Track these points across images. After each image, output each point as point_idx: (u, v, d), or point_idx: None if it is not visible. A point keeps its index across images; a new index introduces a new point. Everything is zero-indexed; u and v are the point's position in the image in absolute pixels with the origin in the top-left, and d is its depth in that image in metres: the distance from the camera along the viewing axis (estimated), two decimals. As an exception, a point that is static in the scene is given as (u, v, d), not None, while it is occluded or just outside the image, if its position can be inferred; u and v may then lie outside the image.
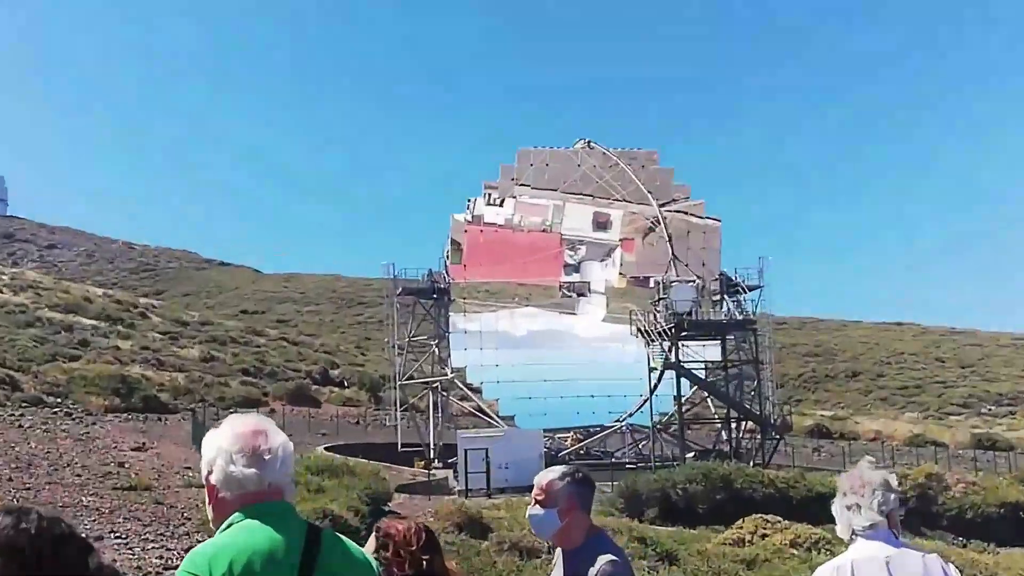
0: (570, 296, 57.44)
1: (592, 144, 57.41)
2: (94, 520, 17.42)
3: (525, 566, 15.40)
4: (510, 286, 57.21)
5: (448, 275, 53.38)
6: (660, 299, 47.42)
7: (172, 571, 13.24)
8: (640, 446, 51.40)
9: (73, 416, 37.67)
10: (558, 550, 4.25)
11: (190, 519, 18.21)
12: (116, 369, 49.83)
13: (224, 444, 3.05)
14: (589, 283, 57.10)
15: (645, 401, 49.12)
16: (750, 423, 49.13)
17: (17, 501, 18.51)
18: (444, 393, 51.94)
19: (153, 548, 15.37)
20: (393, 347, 53.23)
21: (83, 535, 2.75)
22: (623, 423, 51.58)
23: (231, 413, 3.52)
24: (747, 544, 19.32)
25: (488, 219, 56.07)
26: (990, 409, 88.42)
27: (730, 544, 19.52)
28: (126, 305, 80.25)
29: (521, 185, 56.21)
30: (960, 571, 4.15)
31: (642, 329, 47.15)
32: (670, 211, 55.35)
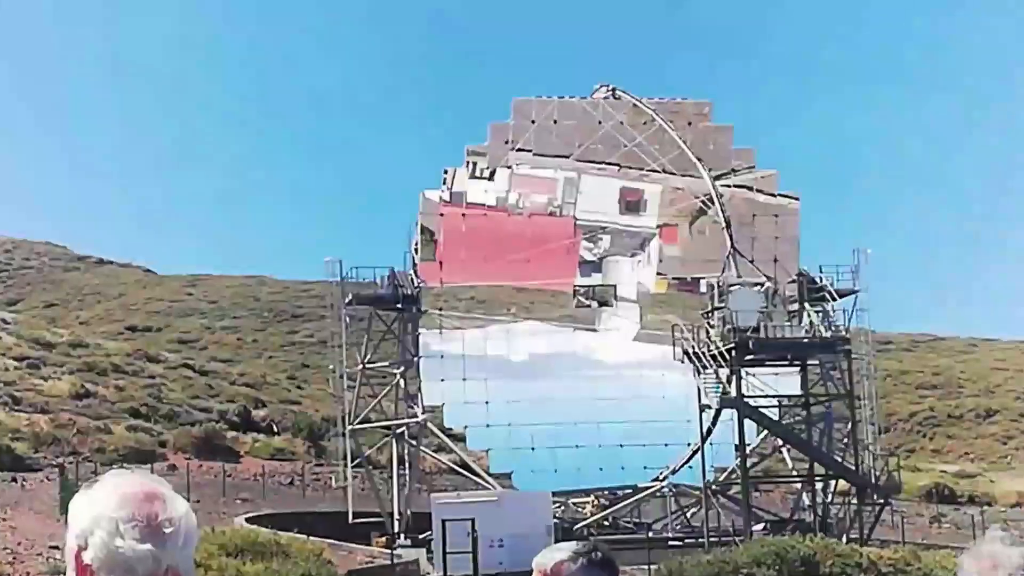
0: (588, 306, 57.47)
1: (618, 92, 57.46)
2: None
3: None
4: (504, 292, 57.20)
5: (417, 276, 53.40)
6: (715, 309, 47.45)
7: None
8: (688, 515, 51.34)
9: None
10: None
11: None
12: (-48, 410, 49.80)
13: (107, 510, 3.04)
14: (615, 287, 57.13)
15: (695, 452, 49.08)
16: (842, 482, 49.10)
17: None
18: (413, 442, 51.91)
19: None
20: (341, 377, 53.20)
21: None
22: (664, 483, 51.57)
23: (113, 469, 3.53)
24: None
25: (473, 198, 56.07)
26: None
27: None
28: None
29: (519, 150, 56.25)
30: None
31: (690, 352, 47.18)
32: (728, 186, 55.38)
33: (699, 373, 46.79)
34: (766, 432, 50.20)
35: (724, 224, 52.43)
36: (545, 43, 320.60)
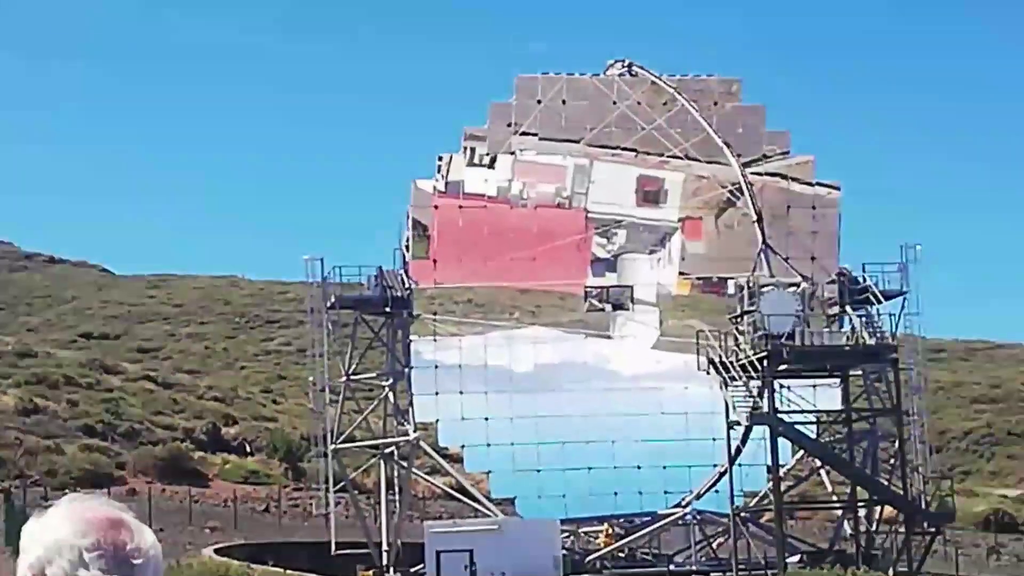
0: (601, 309, 57.49)
1: (635, 68, 57.50)
2: None
3: None
4: (506, 294, 57.23)
5: (408, 276, 53.43)
6: (745, 313, 47.44)
7: None
8: (714, 546, 51.32)
9: None
10: None
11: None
12: None
13: (68, 537, 3.00)
14: (632, 289, 57.16)
15: (722, 475, 49.08)
16: (888, 509, 49.07)
17: None
18: (403, 463, 51.93)
19: None
20: (322, 391, 53.22)
21: None
22: (687, 510, 51.57)
23: (67, 494, 3.50)
24: None
25: (471, 188, 56.14)
26: None
27: None
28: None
29: (523, 134, 56.30)
30: None
31: (717, 361, 47.19)
32: (759, 174, 55.40)
33: (727, 385, 46.76)
34: (802, 452, 50.15)
35: (755, 217, 52.46)
36: (553, 12, 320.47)
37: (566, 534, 49.11)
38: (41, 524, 3.07)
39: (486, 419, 52.67)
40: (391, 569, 47.91)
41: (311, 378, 55.60)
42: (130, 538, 3.05)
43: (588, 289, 57.46)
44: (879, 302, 49.98)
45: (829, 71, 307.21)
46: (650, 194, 57.07)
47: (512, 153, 56.30)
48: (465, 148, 56.50)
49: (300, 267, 52.98)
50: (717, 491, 50.37)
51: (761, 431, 46.71)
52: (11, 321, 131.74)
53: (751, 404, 46.31)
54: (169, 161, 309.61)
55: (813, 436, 49.35)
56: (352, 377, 52.25)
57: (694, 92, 56.50)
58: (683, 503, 51.79)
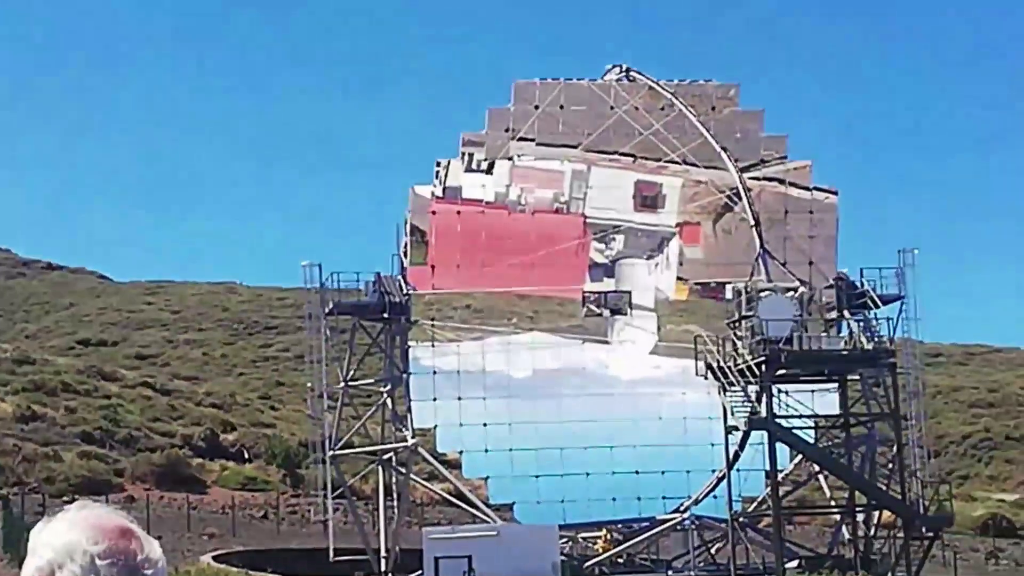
0: (599, 314, 57.51)
1: (633, 74, 57.56)
2: None
3: None
4: (504, 299, 57.25)
5: (406, 282, 53.46)
6: (743, 318, 47.49)
7: None
8: (713, 551, 51.35)
9: None
10: None
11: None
12: None
13: (81, 542, 3.02)
14: (630, 293, 57.19)
15: (720, 480, 49.11)
16: (887, 514, 49.10)
17: None
18: (402, 469, 51.94)
19: None
20: (320, 397, 53.24)
21: None
22: (686, 515, 51.61)
23: (66, 502, 3.54)
24: None
25: (469, 193, 56.19)
26: None
27: None
28: None
29: (521, 139, 56.36)
30: None
31: (715, 366, 47.22)
32: (758, 179, 55.47)
33: (725, 390, 46.82)
34: (800, 457, 50.18)
35: (752, 222, 52.48)
36: (551, 17, 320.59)
37: (564, 540, 49.09)
38: (52, 528, 3.09)
39: (484, 425, 52.67)
40: (390, 574, 47.90)
41: (309, 384, 55.61)
42: (140, 548, 3.09)
43: (586, 294, 57.48)
44: (877, 306, 50.00)
45: (828, 76, 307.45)
46: (648, 199, 57.11)
47: (510, 158, 56.34)
48: (463, 153, 56.54)
49: (298, 273, 53.07)
50: (715, 496, 50.39)
51: (759, 436, 46.71)
52: (9, 328, 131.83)
53: (749, 409, 46.38)
54: (166, 167, 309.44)
55: (811, 441, 49.35)
56: (350, 383, 52.27)
57: (692, 97, 56.51)
58: (681, 508, 51.80)
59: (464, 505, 52.78)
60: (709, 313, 54.60)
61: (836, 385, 48.95)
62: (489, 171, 56.41)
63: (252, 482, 65.99)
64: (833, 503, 52.66)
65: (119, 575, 3.00)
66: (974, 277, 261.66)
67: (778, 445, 46.89)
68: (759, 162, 56.19)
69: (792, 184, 56.22)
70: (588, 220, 56.87)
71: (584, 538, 52.08)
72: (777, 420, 46.57)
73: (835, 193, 56.68)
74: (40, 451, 58.72)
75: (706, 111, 56.04)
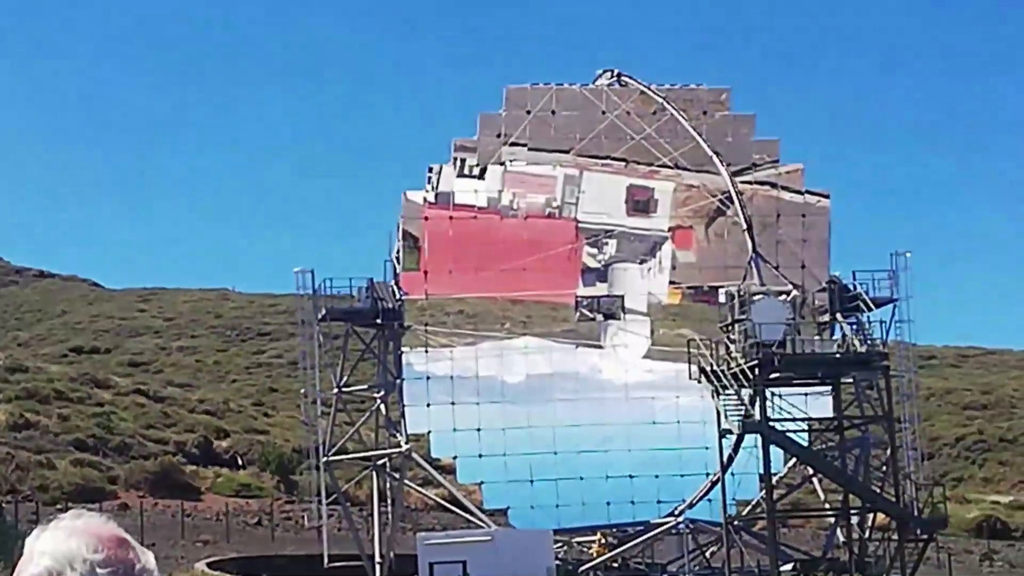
0: (592, 319, 57.55)
1: (624, 78, 57.63)
2: None
3: None
4: (497, 305, 57.26)
5: (399, 288, 53.47)
6: (735, 322, 47.52)
7: None
8: (707, 555, 51.34)
9: None
10: None
11: None
12: None
13: (80, 550, 3.04)
14: (623, 298, 57.23)
15: (714, 484, 49.11)
16: (881, 516, 49.14)
17: None
18: (396, 475, 51.94)
19: None
20: (314, 403, 53.21)
21: None
22: (680, 519, 51.62)
23: (60, 510, 3.56)
24: None
25: (461, 199, 56.18)
26: None
27: None
28: None
29: (513, 144, 56.38)
30: None
31: (708, 370, 47.25)
32: (749, 182, 55.53)
33: (718, 394, 46.82)
34: (794, 460, 50.21)
35: (745, 226, 52.54)
36: (542, 22, 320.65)
37: (559, 544, 49.09)
38: (49, 536, 3.10)
39: (478, 430, 52.67)
40: (384, 581, 47.91)
41: (302, 390, 55.63)
42: (137, 558, 3.11)
43: (579, 299, 57.51)
44: (870, 309, 49.99)
45: (820, 78, 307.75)
46: (640, 203, 57.15)
47: (502, 163, 56.37)
48: (455, 159, 56.57)
49: (291, 279, 53.01)
50: (710, 500, 50.40)
51: (753, 439, 46.74)
52: (1, 336, 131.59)
53: (743, 412, 46.40)
54: (159, 174, 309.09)
55: (805, 444, 49.37)
56: (344, 389, 52.23)
57: (683, 101, 56.59)
58: (676, 512, 51.82)
59: (458, 510, 52.77)
60: (702, 317, 54.65)
61: (829, 388, 49.01)
62: (481, 176, 56.44)
63: (246, 488, 65.96)
64: (827, 506, 52.70)
65: None
66: (967, 280, 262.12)
67: (772, 448, 46.90)
68: (751, 166, 56.27)
69: (784, 188, 56.31)
70: (580, 225, 56.89)
71: (579, 543, 52.12)
72: (771, 423, 46.60)
73: (827, 196, 56.77)
74: (33, 459, 58.63)
75: (698, 115, 56.16)
